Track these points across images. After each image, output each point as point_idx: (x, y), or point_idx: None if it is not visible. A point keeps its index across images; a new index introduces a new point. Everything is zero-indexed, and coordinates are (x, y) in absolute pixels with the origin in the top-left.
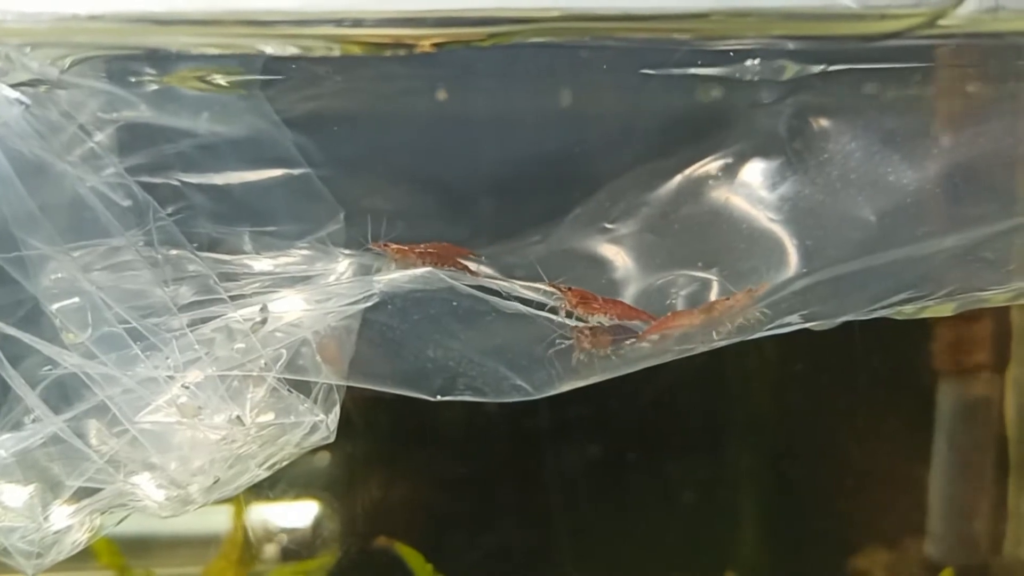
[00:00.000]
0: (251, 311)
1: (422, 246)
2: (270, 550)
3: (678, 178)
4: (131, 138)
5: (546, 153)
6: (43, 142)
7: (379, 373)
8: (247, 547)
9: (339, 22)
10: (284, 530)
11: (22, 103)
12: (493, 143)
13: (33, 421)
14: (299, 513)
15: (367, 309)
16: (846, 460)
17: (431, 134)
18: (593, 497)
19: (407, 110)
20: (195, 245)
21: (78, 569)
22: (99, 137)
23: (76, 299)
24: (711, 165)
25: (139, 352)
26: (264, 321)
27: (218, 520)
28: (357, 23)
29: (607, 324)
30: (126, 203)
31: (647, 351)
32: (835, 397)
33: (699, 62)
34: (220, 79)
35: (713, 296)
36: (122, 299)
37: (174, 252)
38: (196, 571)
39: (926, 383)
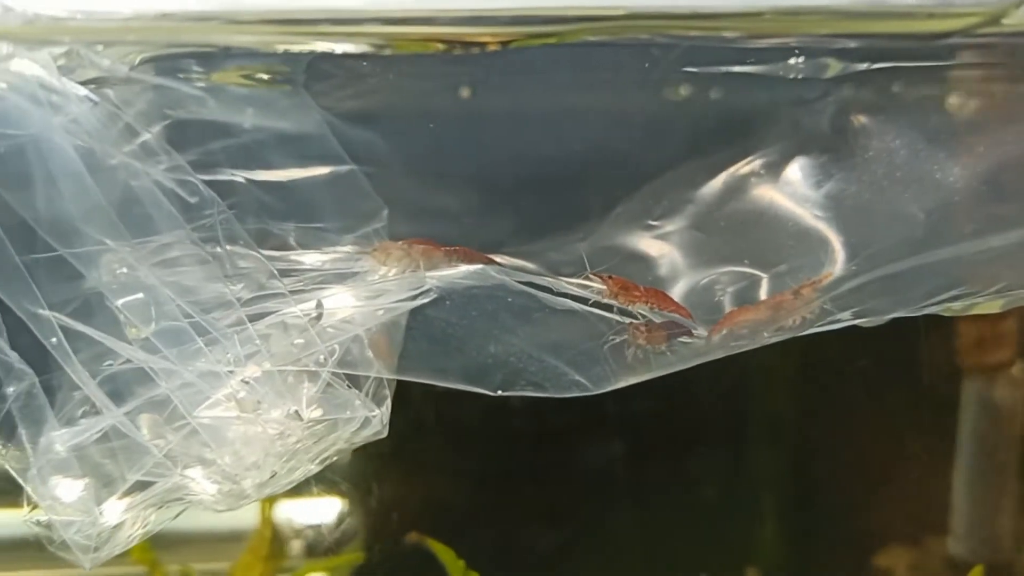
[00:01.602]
0: (307, 306)
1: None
2: (294, 546)
3: (722, 175)
4: (179, 135)
5: (588, 151)
6: (111, 138)
7: (440, 368)
8: (275, 543)
9: (406, 21)
10: (307, 526)
11: (91, 100)
12: (535, 141)
13: (83, 416)
14: (321, 509)
15: (424, 305)
16: (869, 458)
17: (474, 132)
18: (615, 493)
19: (448, 108)
20: (241, 243)
21: (109, 564)
22: (153, 133)
23: (140, 295)
24: (755, 162)
25: (201, 346)
26: (319, 316)
27: (245, 516)
28: (427, 21)
29: (647, 313)
30: (193, 199)
31: (702, 347)
32: (858, 394)
33: (741, 60)
34: (264, 76)
35: (763, 293)
36: (182, 294)
37: (230, 248)
38: (223, 567)
39: (950, 381)
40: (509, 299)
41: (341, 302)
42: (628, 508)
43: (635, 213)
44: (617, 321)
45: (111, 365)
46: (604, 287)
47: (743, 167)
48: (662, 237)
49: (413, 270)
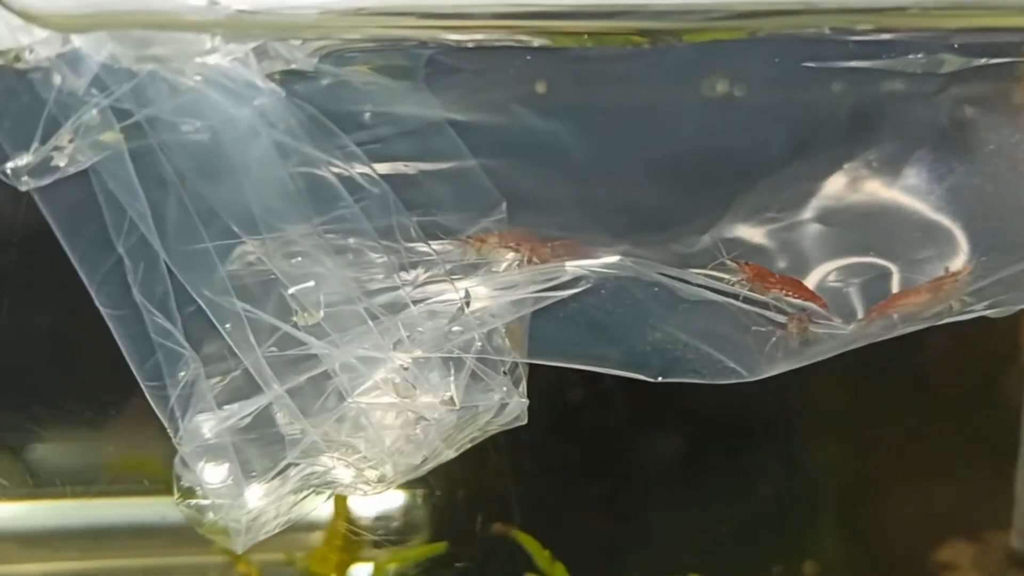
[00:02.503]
0: (454, 295)
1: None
2: (368, 537)
3: (843, 168)
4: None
5: (708, 144)
6: (294, 129)
7: (599, 355)
8: (351, 534)
9: (562, 15)
10: (375, 517)
11: (277, 92)
12: (655, 134)
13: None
14: (389, 500)
15: (578, 293)
16: (930, 452)
17: (594, 125)
18: (674, 486)
19: (569, 101)
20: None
21: (197, 554)
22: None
23: (312, 282)
24: (875, 156)
25: (373, 330)
26: (467, 305)
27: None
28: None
29: (782, 301)
30: (375, 191)
31: (852, 335)
32: (919, 388)
33: (861, 55)
34: (386, 70)
35: (895, 283)
36: (345, 282)
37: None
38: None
39: (1013, 375)
40: (656, 288)
41: (484, 291)
42: (688, 502)
43: (756, 206)
44: (757, 313)
45: (275, 351)
46: (740, 273)
47: (863, 160)
48: (784, 230)
49: (519, 263)
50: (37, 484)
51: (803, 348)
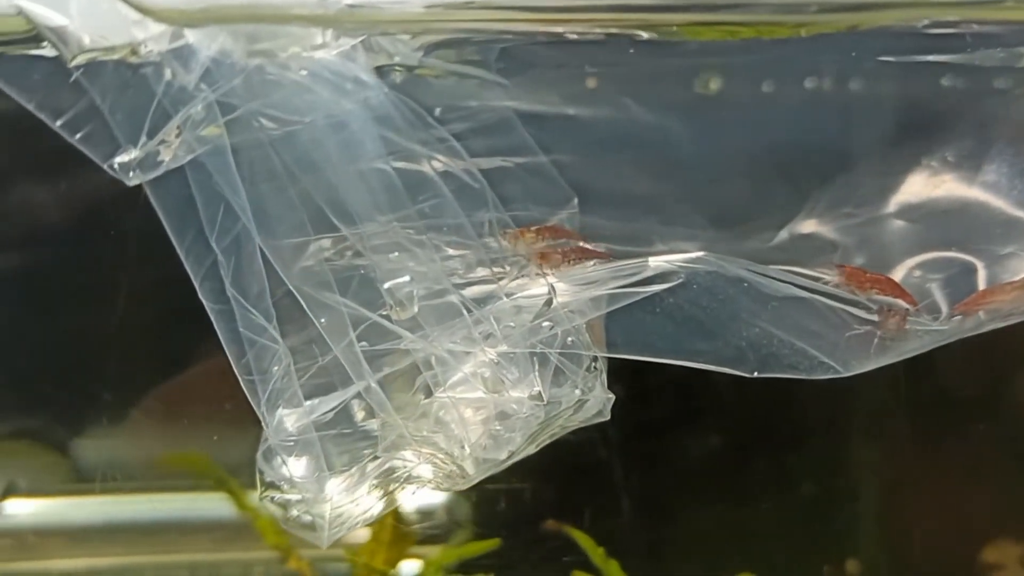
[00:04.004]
0: (539, 290)
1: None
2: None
3: (921, 164)
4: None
5: (784, 139)
6: (396, 124)
7: (693, 350)
8: (400, 529)
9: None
10: (422, 512)
11: (381, 87)
12: (731, 130)
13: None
14: (431, 497)
15: (672, 288)
16: (975, 452)
17: (670, 121)
18: (717, 486)
19: (644, 96)
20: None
21: (247, 550)
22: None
23: (407, 277)
24: (954, 151)
25: (470, 326)
26: (551, 301)
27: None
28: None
29: (875, 299)
30: (475, 185)
31: (946, 331)
32: (961, 386)
33: (938, 48)
34: (458, 66)
35: (981, 279)
36: (438, 275)
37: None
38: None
39: None
40: (744, 284)
41: (566, 287)
42: (731, 500)
43: (833, 201)
44: (844, 309)
45: (364, 345)
46: (835, 273)
47: (942, 155)
48: (863, 226)
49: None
50: (85, 479)
51: (897, 344)
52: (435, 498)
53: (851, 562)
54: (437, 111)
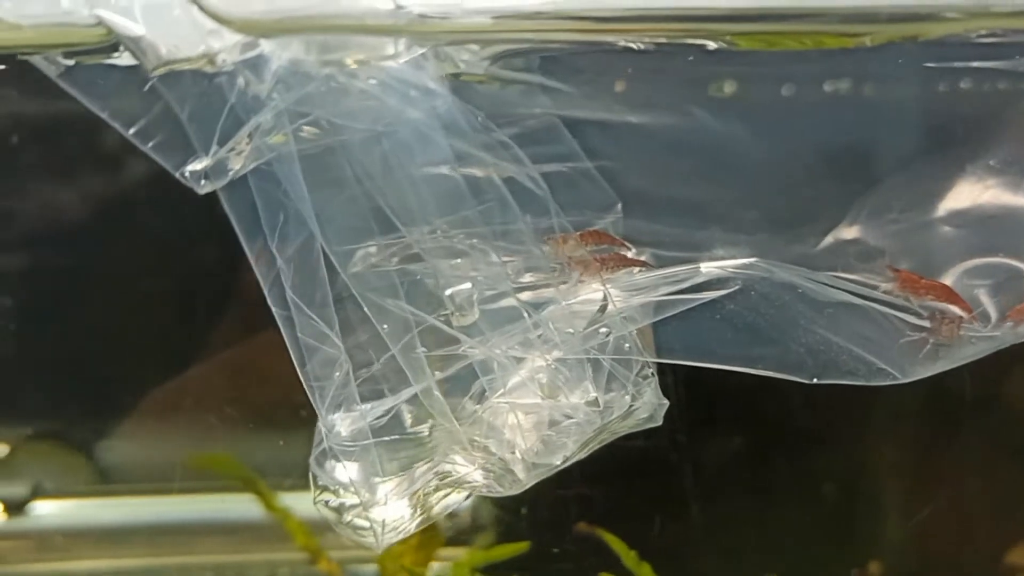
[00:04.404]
0: (593, 295)
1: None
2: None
3: (966, 169)
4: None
5: (829, 145)
6: (461, 131)
7: (752, 356)
8: (429, 531)
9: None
10: (449, 514)
11: (446, 95)
12: (775, 135)
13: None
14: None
15: (730, 294)
16: (999, 453)
17: (713, 126)
18: (741, 488)
19: (687, 103)
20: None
21: (273, 551)
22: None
23: (468, 284)
24: (999, 157)
25: (532, 334)
26: (605, 307)
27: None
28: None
29: (930, 306)
30: (538, 192)
31: (1002, 337)
32: (984, 387)
33: (982, 55)
34: (502, 73)
35: None
36: (499, 279)
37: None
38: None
39: None
40: (799, 290)
41: (619, 292)
42: (754, 502)
43: (878, 207)
44: (896, 316)
45: (424, 352)
46: (890, 279)
47: (987, 161)
48: (908, 232)
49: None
50: (110, 480)
51: (952, 351)
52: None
53: (874, 564)
54: (479, 117)
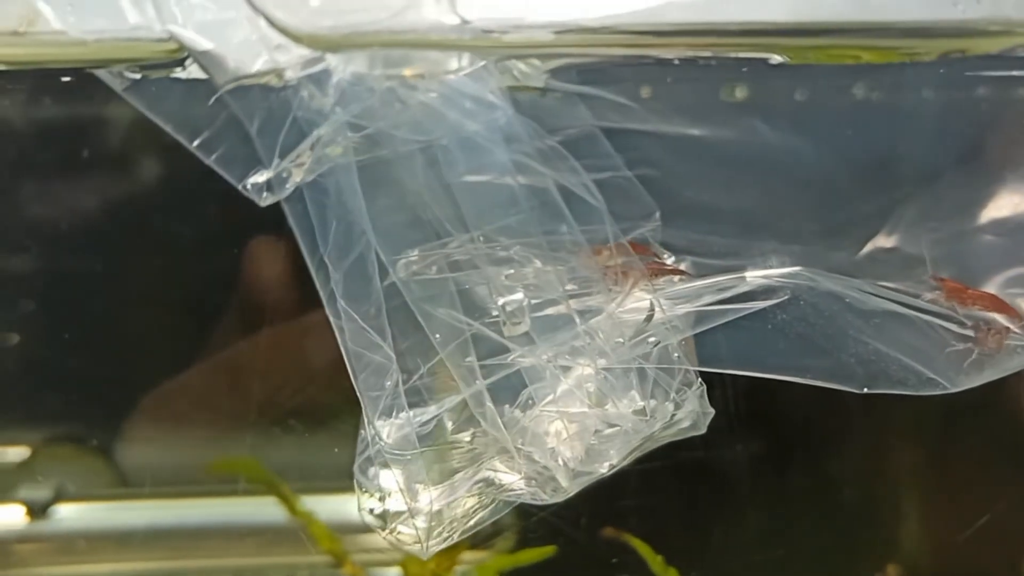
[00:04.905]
0: (639, 304)
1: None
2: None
3: (1006, 178)
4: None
5: (868, 154)
6: (519, 143)
7: (802, 366)
8: None
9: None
10: None
11: (505, 107)
12: (809, 144)
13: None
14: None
15: (780, 304)
16: (1015, 458)
17: (748, 134)
18: (758, 490)
19: (728, 111)
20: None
21: (293, 554)
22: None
23: (520, 294)
24: None
25: (569, 340)
26: (651, 316)
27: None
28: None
29: (977, 316)
30: (594, 203)
31: None
32: (1004, 391)
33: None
34: (560, 86)
35: None
36: (550, 287)
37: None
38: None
39: None
40: (847, 300)
41: (666, 301)
42: (771, 503)
43: (915, 217)
44: (941, 326)
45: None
46: (937, 288)
47: None
48: (948, 240)
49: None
50: (134, 483)
51: (1001, 360)
52: None
53: (892, 567)
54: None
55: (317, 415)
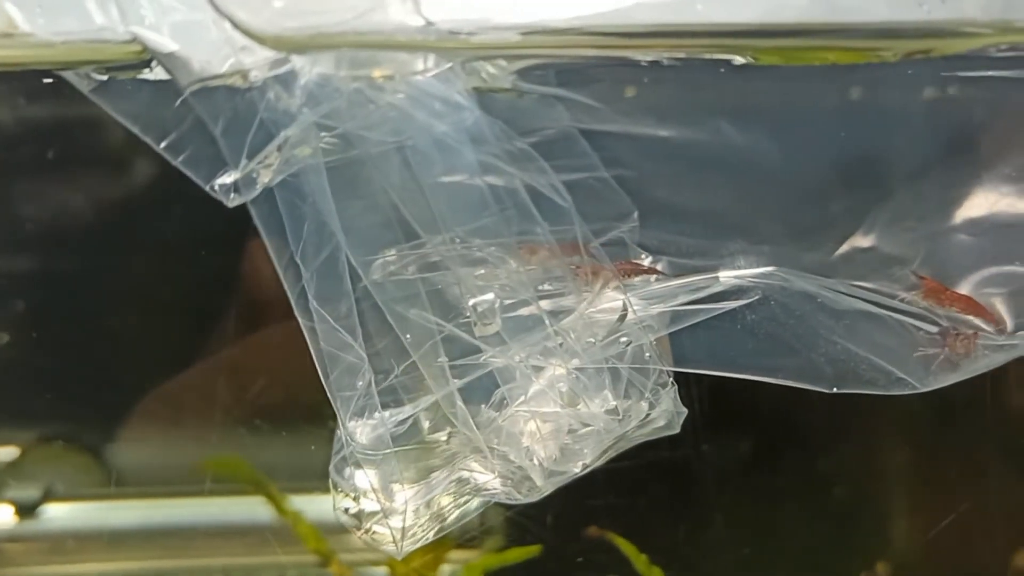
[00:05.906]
0: (613, 305)
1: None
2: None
3: (982, 178)
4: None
5: (844, 153)
6: (485, 144)
7: (772, 367)
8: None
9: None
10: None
11: (471, 108)
12: (790, 143)
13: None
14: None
15: (750, 304)
16: (1007, 455)
17: (732, 135)
18: (747, 490)
19: (703, 113)
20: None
21: (281, 553)
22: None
23: (491, 295)
24: (1015, 165)
25: (541, 340)
26: (624, 316)
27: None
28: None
29: (953, 317)
30: (563, 204)
31: (1016, 347)
32: (993, 390)
33: (998, 64)
34: (522, 85)
35: None
36: (521, 288)
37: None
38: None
39: None
40: (818, 300)
41: (638, 301)
42: (760, 504)
43: (893, 216)
44: (913, 325)
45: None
46: (915, 286)
47: (1004, 170)
48: (925, 239)
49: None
50: (123, 483)
51: (972, 361)
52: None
53: (881, 565)
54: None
55: (304, 414)
